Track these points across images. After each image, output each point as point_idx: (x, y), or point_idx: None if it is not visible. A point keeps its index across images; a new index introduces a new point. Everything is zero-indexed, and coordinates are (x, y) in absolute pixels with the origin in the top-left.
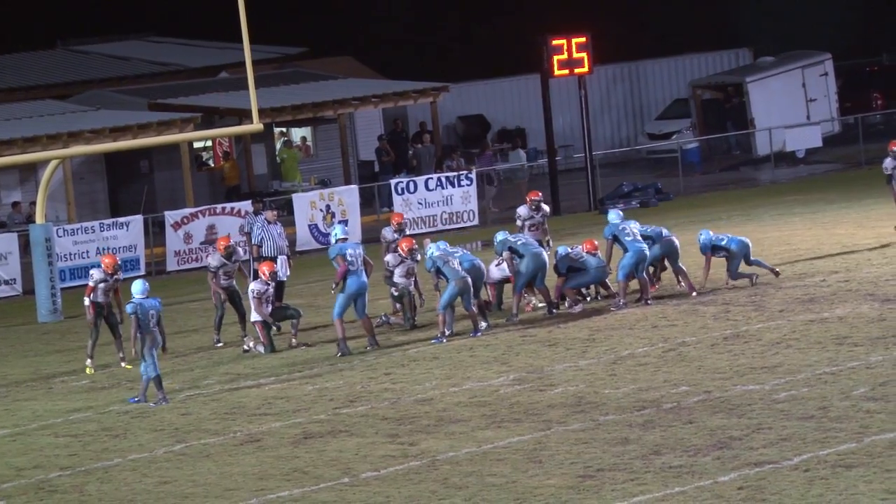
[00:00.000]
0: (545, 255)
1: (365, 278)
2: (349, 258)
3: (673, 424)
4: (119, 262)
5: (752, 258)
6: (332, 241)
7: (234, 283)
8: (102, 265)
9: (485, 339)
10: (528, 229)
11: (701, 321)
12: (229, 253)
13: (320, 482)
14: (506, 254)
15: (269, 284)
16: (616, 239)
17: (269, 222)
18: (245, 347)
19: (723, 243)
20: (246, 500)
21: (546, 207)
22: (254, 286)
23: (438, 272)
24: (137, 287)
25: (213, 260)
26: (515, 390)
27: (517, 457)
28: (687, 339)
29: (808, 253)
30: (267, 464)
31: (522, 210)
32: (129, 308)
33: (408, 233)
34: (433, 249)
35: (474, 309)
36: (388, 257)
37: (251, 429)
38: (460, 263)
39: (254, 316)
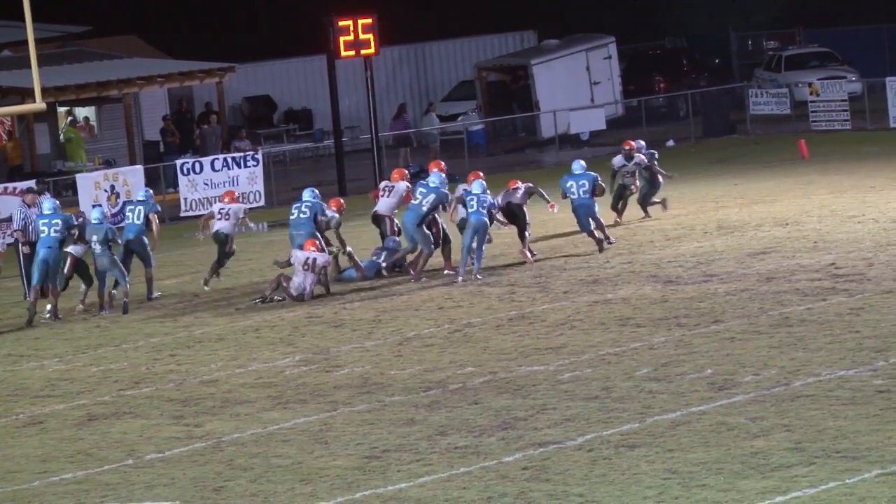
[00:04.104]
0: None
1: (49, 244)
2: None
3: (458, 405)
4: None
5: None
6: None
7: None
8: None
9: (270, 319)
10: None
11: (486, 302)
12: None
13: (104, 464)
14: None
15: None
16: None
17: (28, 206)
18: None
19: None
20: (29, 483)
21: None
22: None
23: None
24: None
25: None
26: (301, 371)
27: (303, 438)
28: (472, 321)
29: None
30: (50, 446)
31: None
32: None
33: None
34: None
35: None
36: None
37: (34, 411)
38: None
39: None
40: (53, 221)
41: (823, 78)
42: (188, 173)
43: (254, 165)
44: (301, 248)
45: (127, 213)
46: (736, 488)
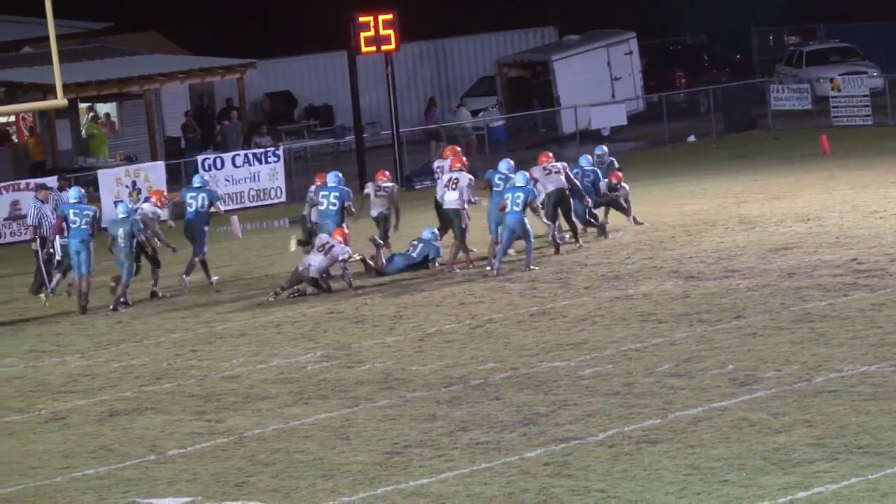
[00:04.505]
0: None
1: (81, 237)
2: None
3: (480, 401)
4: None
5: None
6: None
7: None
8: None
9: (291, 315)
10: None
11: (507, 298)
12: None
13: (126, 460)
14: None
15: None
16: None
17: (42, 202)
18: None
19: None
20: (51, 478)
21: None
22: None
23: None
24: None
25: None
26: (323, 367)
27: (324, 433)
28: (494, 316)
29: (613, 230)
30: (72, 441)
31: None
32: None
33: None
34: None
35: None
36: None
37: (56, 406)
38: None
39: None
40: (85, 213)
41: (845, 73)
42: (209, 169)
43: (274, 161)
44: (329, 234)
45: (189, 200)
46: (758, 484)
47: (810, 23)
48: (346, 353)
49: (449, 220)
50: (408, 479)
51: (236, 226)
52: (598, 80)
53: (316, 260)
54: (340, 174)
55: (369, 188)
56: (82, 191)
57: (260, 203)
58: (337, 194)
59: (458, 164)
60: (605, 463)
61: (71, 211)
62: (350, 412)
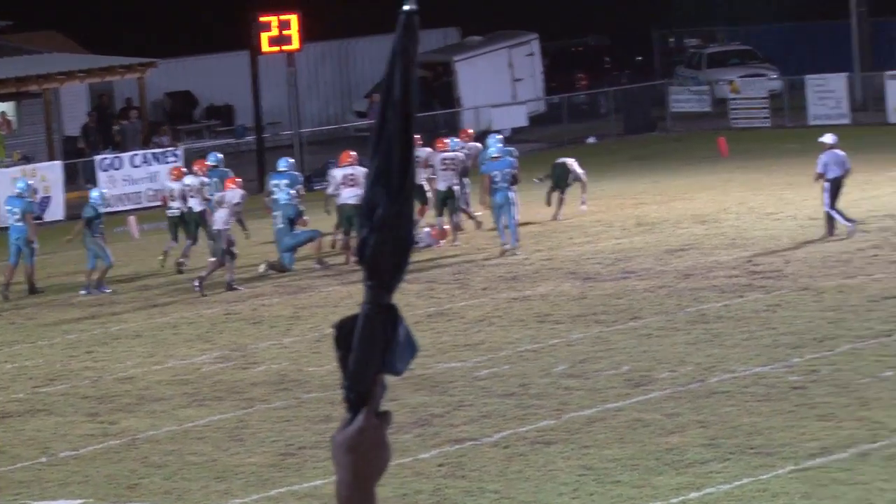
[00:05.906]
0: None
1: (19, 232)
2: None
3: None
4: None
5: None
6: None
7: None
8: None
9: (188, 316)
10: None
11: (405, 299)
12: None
13: (17, 462)
14: None
15: None
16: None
17: None
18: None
19: None
20: None
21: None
22: None
23: None
24: None
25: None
26: (218, 368)
27: (218, 435)
28: None
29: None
30: None
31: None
32: None
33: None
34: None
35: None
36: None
37: None
38: None
39: None
40: (14, 210)
41: (744, 76)
42: (108, 169)
43: (173, 161)
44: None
45: (273, 188)
46: (650, 484)
47: (711, 25)
48: (242, 355)
49: (348, 216)
50: (301, 481)
51: (133, 226)
52: (499, 82)
53: (217, 215)
54: (291, 159)
55: (337, 175)
56: (30, 182)
57: (158, 203)
58: (287, 181)
59: (349, 160)
60: (500, 464)
61: (6, 207)
62: (244, 413)
